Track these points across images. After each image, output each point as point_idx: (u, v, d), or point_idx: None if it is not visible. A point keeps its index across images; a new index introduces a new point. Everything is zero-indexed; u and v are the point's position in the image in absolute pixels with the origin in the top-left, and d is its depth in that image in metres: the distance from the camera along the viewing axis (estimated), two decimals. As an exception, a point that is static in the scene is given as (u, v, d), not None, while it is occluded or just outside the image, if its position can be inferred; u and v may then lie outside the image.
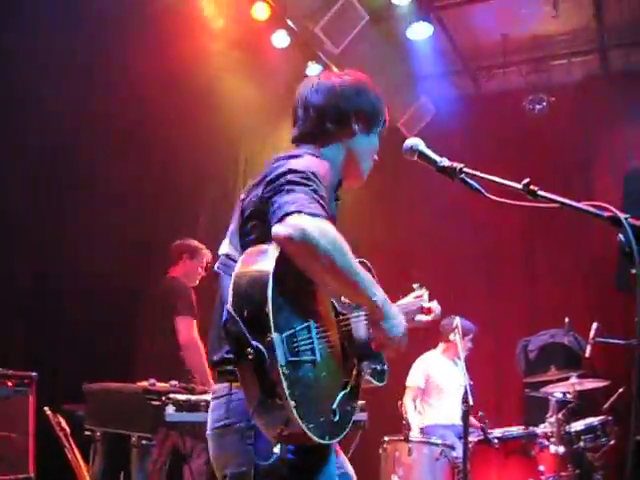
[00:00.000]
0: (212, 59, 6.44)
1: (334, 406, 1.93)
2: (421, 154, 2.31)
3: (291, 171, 1.99)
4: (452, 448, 5.34)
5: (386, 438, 5.39)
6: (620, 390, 5.78)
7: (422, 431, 6.11)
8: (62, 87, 5.07)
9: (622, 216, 1.63)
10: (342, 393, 2.00)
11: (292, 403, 1.73)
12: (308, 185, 1.94)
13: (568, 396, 5.59)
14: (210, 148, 6.71)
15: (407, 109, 7.86)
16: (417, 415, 6.37)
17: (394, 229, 8.68)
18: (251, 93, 6.94)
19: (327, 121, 2.30)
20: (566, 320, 5.95)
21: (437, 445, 5.28)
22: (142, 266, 5.97)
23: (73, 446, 4.04)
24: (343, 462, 2.39)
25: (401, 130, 7.50)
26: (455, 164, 2.20)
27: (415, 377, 6.49)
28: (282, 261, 1.85)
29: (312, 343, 1.89)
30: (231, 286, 1.85)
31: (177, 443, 4.64)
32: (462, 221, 8.27)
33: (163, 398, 3.76)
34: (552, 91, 8.06)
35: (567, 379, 5.68)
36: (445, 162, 2.23)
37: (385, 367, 2.36)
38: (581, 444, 5.44)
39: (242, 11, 6.55)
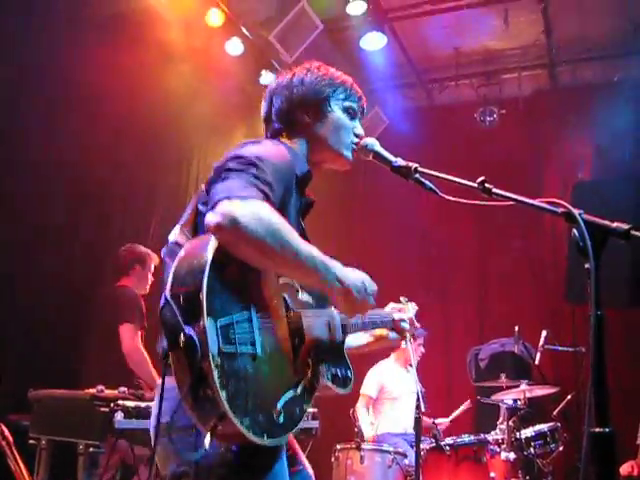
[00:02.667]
0: (164, 66, 6.38)
1: (279, 406, 1.83)
2: (376, 154, 2.31)
3: (234, 158, 1.95)
4: (404, 455, 5.34)
5: (338, 446, 5.37)
6: (569, 397, 5.88)
7: (375, 439, 6.09)
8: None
9: (576, 212, 1.64)
10: (291, 393, 1.91)
11: (223, 395, 1.64)
12: (246, 171, 1.89)
13: (518, 403, 5.66)
14: (162, 156, 6.64)
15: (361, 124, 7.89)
16: (369, 423, 6.36)
17: (345, 234, 8.70)
18: (204, 101, 6.89)
19: (277, 122, 2.32)
20: (515, 329, 6.04)
21: (389, 452, 5.28)
22: (91, 271, 5.85)
23: (17, 456, 3.91)
24: (301, 460, 2.35)
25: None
26: (410, 163, 2.20)
27: (368, 386, 6.48)
28: (223, 249, 1.78)
29: (253, 335, 1.79)
30: (171, 272, 1.78)
31: (126, 454, 4.54)
32: (414, 227, 8.34)
33: (112, 405, 3.68)
34: (503, 104, 8.22)
35: (517, 386, 5.74)
36: (400, 162, 2.24)
37: (349, 374, 2.28)
38: (531, 450, 5.50)
39: (196, 17, 6.51)
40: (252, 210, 1.76)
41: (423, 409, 4.73)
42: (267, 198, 1.85)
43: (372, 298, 2.08)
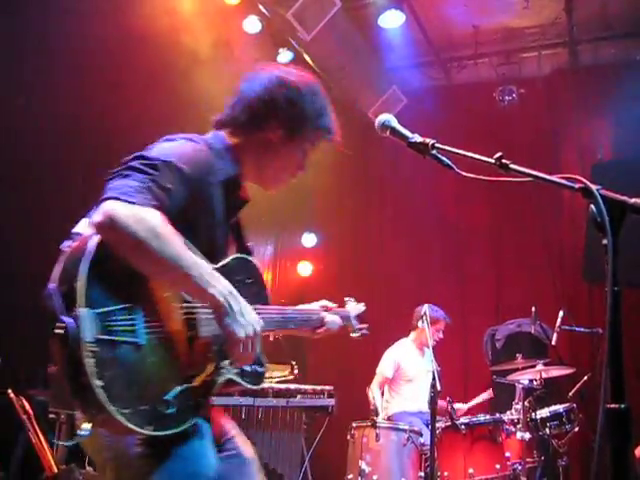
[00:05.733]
0: (182, 44, 6.36)
1: (167, 397, 1.82)
2: (393, 130, 2.29)
3: (139, 157, 1.94)
4: (419, 434, 5.36)
5: (354, 424, 5.39)
6: (585, 378, 5.87)
7: (390, 419, 6.13)
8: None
9: (594, 187, 1.63)
10: (184, 386, 1.88)
11: (97, 383, 1.64)
12: (148, 173, 1.87)
13: (534, 383, 5.66)
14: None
15: (378, 98, 7.85)
16: (384, 401, 6.39)
17: (363, 219, 8.70)
18: (221, 80, 6.87)
19: (248, 117, 2.25)
20: (533, 309, 6.01)
21: (404, 431, 5.30)
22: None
23: (37, 429, 3.98)
24: (236, 445, 2.28)
25: (371, 119, 7.49)
26: (427, 140, 2.18)
27: (385, 366, 6.51)
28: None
29: (134, 325, 1.78)
30: (60, 264, 1.80)
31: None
32: (430, 211, 8.32)
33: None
34: (522, 83, 8.14)
35: (533, 367, 5.74)
36: (417, 138, 2.22)
37: (260, 369, 2.24)
38: (546, 431, 5.50)
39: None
40: (136, 214, 1.76)
41: (439, 388, 4.75)
42: (160, 204, 1.84)
43: (246, 329, 1.94)
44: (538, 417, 5.52)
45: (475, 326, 7.85)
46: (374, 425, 5.26)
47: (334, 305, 2.80)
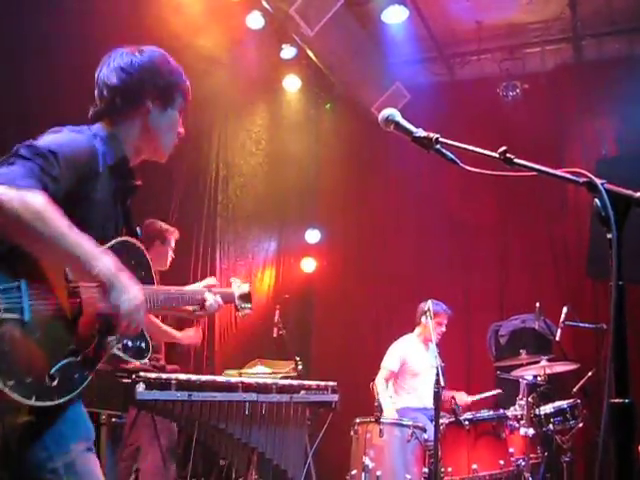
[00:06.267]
0: (185, 40, 6.36)
1: (52, 370, 1.95)
2: (397, 125, 2.28)
3: (27, 146, 2.03)
4: (423, 430, 5.36)
5: (357, 420, 5.40)
6: (589, 373, 5.86)
7: (394, 411, 6.12)
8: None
9: (598, 181, 1.62)
10: (69, 360, 2.01)
11: None
12: (33, 160, 1.97)
13: (538, 379, 5.66)
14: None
15: (381, 94, 7.84)
16: (388, 397, 6.38)
17: (367, 215, 8.70)
18: (224, 75, 6.88)
19: (118, 100, 2.35)
20: (537, 305, 6.01)
21: (408, 427, 5.30)
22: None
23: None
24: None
25: (375, 115, 7.48)
26: (431, 134, 2.18)
27: (390, 360, 6.47)
28: None
29: (20, 302, 1.89)
30: None
31: (148, 429, 4.60)
32: (435, 207, 8.31)
33: (133, 376, 3.72)
34: (525, 79, 8.12)
35: (537, 362, 5.74)
36: (421, 132, 2.22)
37: (143, 345, 2.39)
38: (550, 427, 5.51)
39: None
40: (20, 197, 1.85)
41: (442, 384, 4.76)
42: (45, 189, 1.94)
43: (129, 302, 2.09)
44: (542, 413, 5.52)
45: (479, 322, 7.85)
46: (378, 421, 5.26)
47: (216, 284, 2.90)
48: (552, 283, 7.67)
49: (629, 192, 1.60)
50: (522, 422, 5.39)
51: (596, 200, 1.62)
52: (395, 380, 6.51)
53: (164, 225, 5.33)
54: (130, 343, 2.33)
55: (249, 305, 3.08)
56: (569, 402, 5.62)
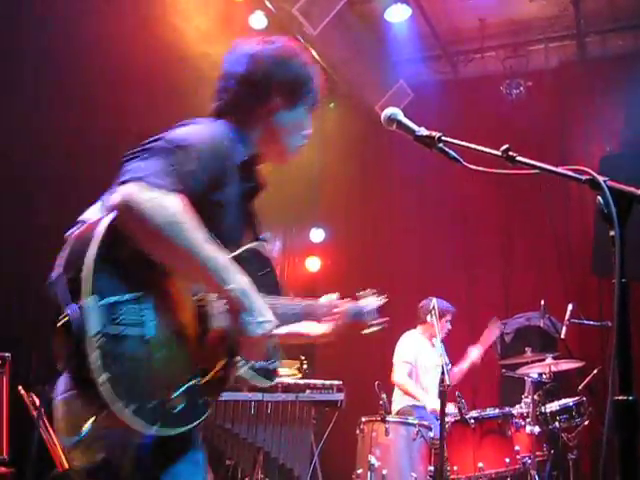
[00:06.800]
0: (187, 41, 6.37)
1: (175, 394, 1.73)
2: (399, 123, 2.28)
3: (162, 139, 1.88)
4: (429, 428, 5.36)
5: (363, 418, 5.39)
6: (595, 371, 5.85)
7: (399, 412, 6.12)
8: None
9: (601, 178, 1.62)
10: (193, 382, 1.79)
11: (103, 377, 1.56)
12: (169, 155, 1.82)
13: (544, 377, 5.65)
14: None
15: (384, 93, 7.84)
16: (420, 389, 6.26)
17: (371, 214, 8.69)
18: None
19: (244, 94, 2.17)
20: (542, 303, 6.01)
21: (414, 425, 5.30)
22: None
23: (48, 425, 3.99)
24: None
25: (378, 114, 7.47)
26: (433, 133, 2.18)
27: (406, 354, 6.37)
28: (119, 228, 1.71)
29: (143, 317, 1.69)
30: (66, 250, 1.74)
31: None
32: (439, 205, 8.30)
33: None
34: (529, 76, 8.11)
35: (543, 360, 5.73)
36: (423, 131, 2.21)
37: (272, 365, 2.14)
38: (556, 424, 5.50)
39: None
40: (156, 198, 1.70)
41: (447, 382, 4.75)
42: (182, 189, 1.77)
43: (262, 327, 1.87)
44: (548, 411, 5.51)
45: (484, 320, 7.81)
46: (383, 419, 5.26)
47: (344, 300, 2.66)
48: (557, 281, 7.65)
49: (632, 189, 1.60)
50: (528, 420, 5.38)
51: (599, 197, 1.61)
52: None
53: None
54: (258, 364, 2.07)
55: (381, 320, 2.74)
56: (575, 400, 5.60)
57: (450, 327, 6.48)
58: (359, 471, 5.21)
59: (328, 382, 4.70)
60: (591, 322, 6.01)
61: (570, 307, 5.74)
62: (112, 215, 1.70)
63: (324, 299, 2.59)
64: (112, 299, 1.63)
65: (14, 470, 4.09)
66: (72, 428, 1.73)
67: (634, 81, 7.21)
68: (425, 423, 5.40)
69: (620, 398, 1.50)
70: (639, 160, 6.66)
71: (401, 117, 2.29)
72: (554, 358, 5.74)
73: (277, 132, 2.23)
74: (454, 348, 6.12)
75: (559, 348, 6.31)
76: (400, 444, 5.24)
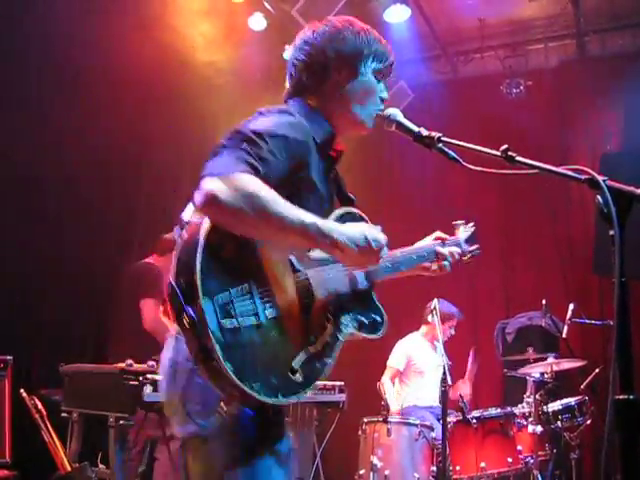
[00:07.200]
0: (188, 42, 6.38)
1: (294, 365, 1.91)
2: (399, 124, 2.29)
3: (233, 132, 1.95)
4: (431, 429, 5.36)
5: (365, 419, 5.39)
6: (596, 370, 5.84)
7: (401, 412, 6.12)
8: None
9: (600, 178, 1.62)
10: (307, 350, 1.98)
11: (228, 366, 1.72)
12: (239, 147, 1.88)
13: (546, 376, 5.65)
14: (185, 135, 6.66)
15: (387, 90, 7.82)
16: (395, 394, 6.37)
17: (372, 213, 8.67)
18: (227, 77, 6.89)
19: (305, 75, 2.25)
20: (543, 302, 6.00)
21: (416, 426, 5.30)
22: (118, 251, 5.94)
23: (50, 428, 4.00)
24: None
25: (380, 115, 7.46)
26: (433, 133, 2.18)
27: (396, 358, 6.46)
28: (216, 228, 1.82)
29: (255, 306, 1.85)
30: (174, 257, 1.84)
31: (155, 432, 4.62)
32: (439, 204, 8.29)
33: (141, 378, 3.74)
34: (529, 75, 8.10)
35: (544, 360, 5.72)
36: (423, 131, 2.22)
37: (378, 318, 2.30)
38: (558, 424, 5.50)
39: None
40: (231, 184, 1.77)
41: (449, 382, 4.75)
42: (255, 173, 1.84)
43: (382, 250, 2.06)
44: (550, 410, 5.51)
45: (485, 320, 7.82)
46: (385, 420, 5.27)
47: (445, 236, 2.79)
48: (558, 280, 7.64)
49: (631, 188, 1.60)
50: (530, 419, 5.38)
51: (598, 197, 1.62)
52: (401, 379, 6.50)
53: None
54: (365, 319, 2.25)
55: (476, 247, 2.98)
56: (577, 399, 5.60)
57: (453, 332, 6.48)
58: (361, 472, 5.21)
59: (330, 383, 4.70)
60: (592, 321, 6.00)
61: (571, 306, 5.73)
62: (207, 220, 1.82)
63: (429, 239, 2.74)
64: (224, 296, 1.79)
65: (17, 473, 4.10)
66: (197, 414, 1.93)
67: (634, 80, 7.20)
68: (427, 423, 5.41)
69: (621, 397, 1.50)
70: (639, 159, 6.65)
71: (400, 118, 2.29)
72: (556, 357, 5.74)
73: (348, 104, 2.28)
74: (455, 348, 6.11)
75: (561, 347, 6.31)
76: (402, 444, 5.24)
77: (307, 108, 2.22)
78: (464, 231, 2.95)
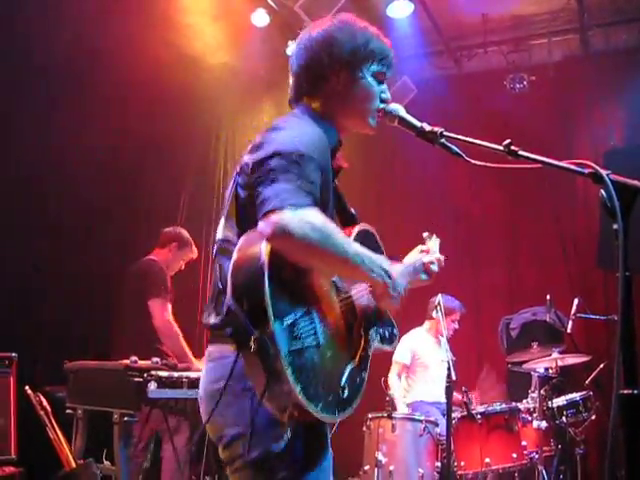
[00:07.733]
0: (190, 39, 6.36)
1: (342, 382, 1.98)
2: (401, 119, 2.28)
3: (276, 154, 1.93)
4: (435, 424, 5.36)
5: (370, 415, 5.40)
6: (601, 365, 5.84)
7: (409, 407, 6.12)
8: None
9: (603, 172, 1.62)
10: (350, 366, 2.05)
11: (298, 388, 1.76)
12: (291, 171, 1.90)
13: (550, 372, 5.64)
14: (189, 132, 6.66)
15: (388, 89, 7.81)
16: (403, 391, 6.37)
17: (375, 209, 8.68)
18: (230, 73, 6.88)
19: (304, 81, 2.26)
20: (547, 297, 5.98)
21: (421, 421, 5.30)
22: (121, 249, 5.94)
23: (54, 425, 4.01)
24: None
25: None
26: (436, 128, 2.18)
27: (401, 353, 6.43)
28: (277, 253, 1.85)
29: (314, 327, 1.90)
30: (229, 276, 1.84)
31: (159, 427, 4.63)
32: (443, 200, 8.28)
33: (145, 375, 3.75)
34: (532, 70, 8.06)
35: (549, 355, 5.71)
36: (426, 126, 2.21)
37: (394, 330, 2.45)
38: (563, 419, 5.49)
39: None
40: (303, 219, 1.82)
41: (454, 378, 4.75)
42: (314, 199, 1.91)
43: (398, 299, 2.19)
44: (554, 405, 5.51)
45: (489, 315, 7.82)
46: (390, 416, 5.27)
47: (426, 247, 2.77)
48: (562, 275, 7.62)
49: (635, 182, 1.60)
50: (535, 415, 5.38)
51: (602, 191, 1.61)
52: (408, 374, 6.49)
53: (188, 236, 5.37)
54: (386, 332, 2.39)
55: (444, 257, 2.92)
56: (581, 394, 5.60)
57: (457, 327, 6.48)
58: (366, 467, 5.22)
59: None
60: (597, 316, 5.99)
61: (576, 301, 5.72)
62: (267, 244, 1.83)
63: (415, 251, 2.74)
64: (289, 319, 1.83)
65: (22, 470, 4.11)
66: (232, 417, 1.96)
67: (638, 75, 7.18)
68: (432, 419, 5.41)
69: (625, 392, 1.49)
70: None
71: (402, 113, 2.29)
72: (560, 353, 5.72)
73: (349, 107, 2.29)
74: (459, 343, 6.11)
75: (565, 342, 6.29)
76: (407, 440, 5.24)
77: (315, 115, 2.22)
78: (434, 240, 2.90)
